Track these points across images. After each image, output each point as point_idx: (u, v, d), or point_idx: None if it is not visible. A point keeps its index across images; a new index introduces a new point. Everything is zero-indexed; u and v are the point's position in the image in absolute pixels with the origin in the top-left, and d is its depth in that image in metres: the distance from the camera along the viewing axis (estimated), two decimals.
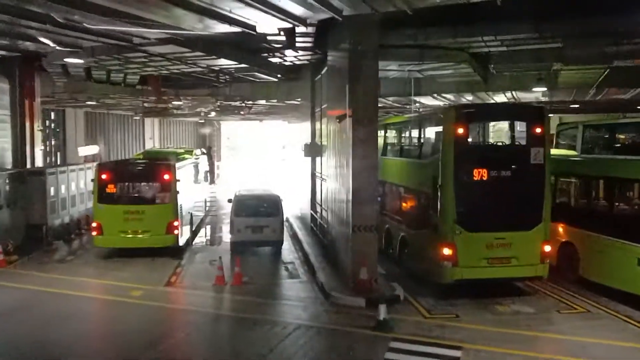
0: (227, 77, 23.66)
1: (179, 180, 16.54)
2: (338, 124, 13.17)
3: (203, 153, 26.52)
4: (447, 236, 11.64)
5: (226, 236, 19.19)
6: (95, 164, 17.84)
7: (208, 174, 24.68)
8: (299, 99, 25.04)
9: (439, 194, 11.74)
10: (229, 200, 19.84)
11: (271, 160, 68.80)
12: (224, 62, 16.96)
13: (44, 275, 14.23)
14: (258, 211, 16.50)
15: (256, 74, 19.56)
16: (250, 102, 24.48)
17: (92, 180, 16.58)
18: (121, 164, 16.74)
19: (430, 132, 12.99)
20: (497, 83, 17.82)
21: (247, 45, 15.92)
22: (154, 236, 16.05)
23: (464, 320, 10.64)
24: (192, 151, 20.14)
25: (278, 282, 13.98)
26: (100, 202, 16.06)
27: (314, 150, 20.04)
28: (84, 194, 22.48)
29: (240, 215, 16.32)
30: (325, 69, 16.68)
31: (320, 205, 18.21)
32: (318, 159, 19.40)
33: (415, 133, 14.09)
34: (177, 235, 16.43)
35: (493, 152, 12.10)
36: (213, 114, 33.16)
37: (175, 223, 16.29)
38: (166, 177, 16.31)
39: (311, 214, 19.81)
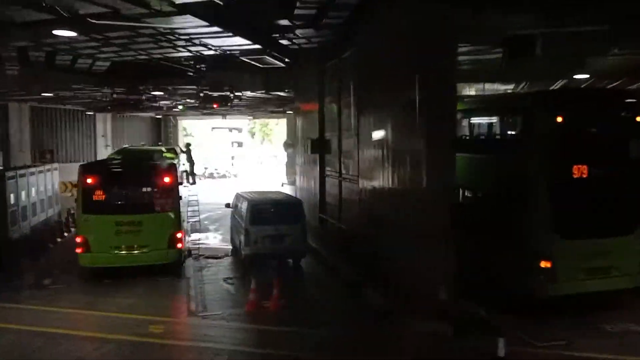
0: (202, 66, 21.00)
1: (181, 183, 13.87)
2: (393, 114, 10.90)
3: (182, 151, 23.63)
4: (541, 246, 9.80)
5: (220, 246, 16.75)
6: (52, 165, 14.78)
7: (189, 174, 21.90)
8: (287, 91, 22.71)
9: (528, 195, 9.88)
10: (227, 205, 17.38)
11: (227, 158, 66.03)
12: (235, 42, 14.38)
13: (22, 308, 11.29)
14: (277, 218, 14.06)
15: (266, 57, 17.01)
16: (239, 93, 21.86)
17: (75, 186, 13.57)
18: (111, 165, 13.91)
19: (514, 121, 11.02)
20: (526, 70, 16.20)
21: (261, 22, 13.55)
22: (153, 252, 13.33)
23: (578, 347, 8.82)
24: (174, 150, 17.49)
25: (321, 304, 11.62)
26: (85, 212, 13.13)
27: (321, 146, 17.81)
28: (44, 200, 19.32)
29: (257, 224, 13.84)
30: (349, 53, 14.47)
31: (340, 209, 15.97)
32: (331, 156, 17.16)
33: (488, 123, 12.05)
34: (181, 249, 13.78)
35: (595, 144, 10.29)
36: (180, 107, 29.98)
37: (179, 235, 13.65)
38: (167, 179, 13.61)
39: (320, 218, 17.55)
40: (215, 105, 27.05)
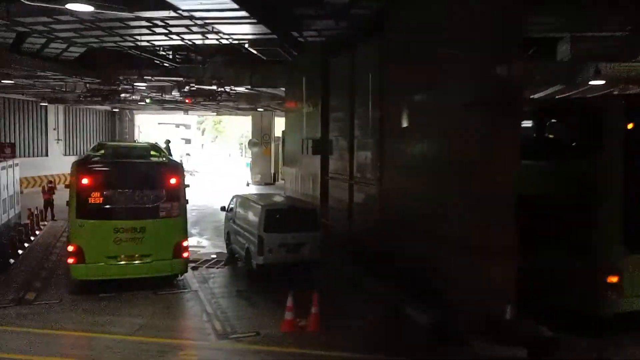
0: (178, 56, 19.45)
1: (187, 186, 12.38)
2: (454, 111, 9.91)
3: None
4: (609, 260, 9.18)
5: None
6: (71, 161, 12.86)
7: None
8: (280, 87, 21.46)
9: (596, 205, 9.23)
10: (223, 209, 15.97)
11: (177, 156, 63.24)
12: (250, 31, 13.05)
13: (12, 331, 9.53)
14: (294, 225, 12.82)
15: (273, 49, 15.69)
16: (231, 88, 20.37)
17: (67, 186, 11.77)
18: (110, 163, 12.21)
19: (582, 126, 10.28)
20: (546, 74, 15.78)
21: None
22: (156, 262, 11.79)
23: None
24: (157, 146, 15.82)
25: (362, 323, 10.39)
26: (80, 216, 11.40)
27: (324, 147, 16.72)
28: (6, 200, 17.24)
29: (273, 231, 12.56)
30: (371, 46, 13.47)
31: (350, 215, 14.91)
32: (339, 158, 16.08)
33: (551, 127, 11.26)
34: (187, 259, 12.31)
35: None
36: (147, 100, 27.91)
37: (185, 243, 12.17)
38: (173, 180, 12.09)
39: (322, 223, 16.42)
40: (187, 100, 25.49)
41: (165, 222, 11.95)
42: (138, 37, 15.75)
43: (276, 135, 39.61)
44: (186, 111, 37.82)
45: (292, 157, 19.63)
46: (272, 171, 38.98)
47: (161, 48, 18.92)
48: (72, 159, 35.48)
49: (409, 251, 11.57)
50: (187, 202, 12.26)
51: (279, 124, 41.33)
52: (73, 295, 11.51)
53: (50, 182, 22.84)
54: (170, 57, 19.92)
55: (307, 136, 17.56)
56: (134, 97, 23.22)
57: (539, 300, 9.50)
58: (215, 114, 39.67)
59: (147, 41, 16.38)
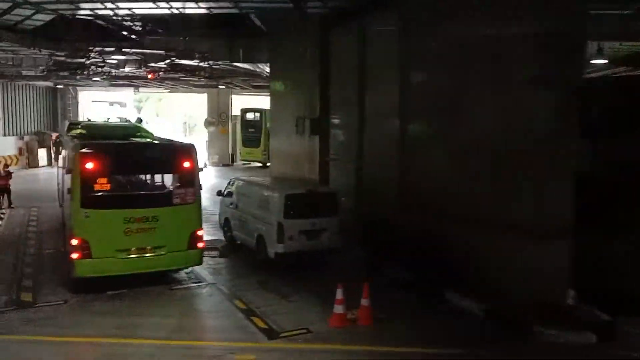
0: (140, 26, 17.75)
1: (201, 169, 11.26)
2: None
3: None
4: None
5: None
6: (71, 144, 11.15)
7: None
8: (261, 62, 20.24)
9: None
10: (219, 193, 14.91)
11: None
12: None
13: (19, 340, 8.25)
14: (313, 210, 12.04)
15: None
16: (211, 63, 18.90)
17: (69, 171, 10.30)
18: (116, 146, 10.83)
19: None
20: None
21: None
22: (170, 254, 10.69)
23: None
24: (142, 127, 14.44)
25: (408, 314, 9.75)
26: (85, 206, 10.04)
27: (322, 127, 15.89)
28: None
29: (292, 217, 11.73)
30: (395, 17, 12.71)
31: (359, 199, 14.23)
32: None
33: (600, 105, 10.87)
34: (203, 250, 11.26)
35: None
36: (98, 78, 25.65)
37: (200, 232, 11.10)
38: (187, 164, 10.92)
39: None
40: (150, 76, 23.79)
41: (180, 209, 10.81)
42: (121, 4, 14.18)
43: (233, 114, 38.16)
44: (137, 88, 35.47)
45: (280, 137, 18.60)
46: (230, 152, 37.55)
47: (131, 18, 17.30)
48: (12, 140, 32.75)
49: (441, 236, 11.10)
50: (201, 187, 11.17)
51: (237, 103, 39.98)
52: (77, 295, 10.20)
53: (7, 165, 20.62)
54: (140, 29, 18.29)
55: (302, 115, 16.62)
56: (104, 69, 21.19)
57: (595, 283, 9.31)
58: (168, 91, 37.44)
59: (129, 9, 14.80)
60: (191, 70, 18.73)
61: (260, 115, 35.29)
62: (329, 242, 12.16)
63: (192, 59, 17.98)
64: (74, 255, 10.05)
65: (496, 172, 9.79)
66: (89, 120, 17.32)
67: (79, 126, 14.78)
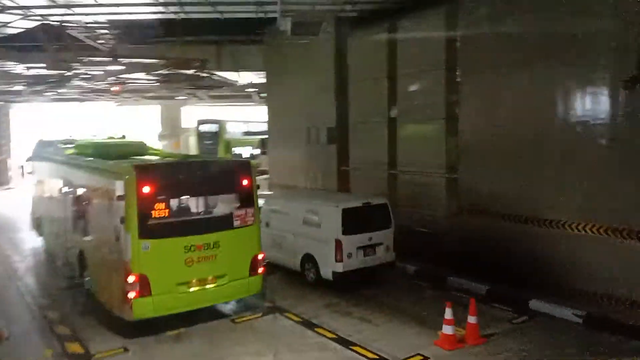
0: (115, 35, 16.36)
1: (258, 187, 10.20)
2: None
3: None
4: None
5: None
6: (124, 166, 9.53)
7: None
8: (251, 70, 19.15)
9: None
10: None
11: None
12: None
13: None
14: (369, 223, 11.31)
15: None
16: (212, 72, 17.47)
17: (120, 196, 8.85)
18: (173, 165, 9.49)
19: None
20: None
21: None
22: (233, 283, 9.59)
23: None
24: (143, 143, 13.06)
25: (516, 328, 9.16)
26: (143, 236, 8.71)
27: (340, 135, 15.20)
28: None
29: (350, 232, 10.94)
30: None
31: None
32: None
33: None
34: (263, 275, 10.20)
35: None
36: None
37: (261, 256, 10.05)
38: (245, 182, 9.86)
39: None
40: (116, 90, 22.10)
41: (241, 232, 9.73)
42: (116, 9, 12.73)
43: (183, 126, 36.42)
44: (81, 101, 32.78)
45: (284, 148, 17.63)
46: None
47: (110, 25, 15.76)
48: None
49: (511, 243, 10.79)
50: (260, 208, 10.13)
51: (185, 115, 38.09)
52: (134, 340, 8.84)
53: None
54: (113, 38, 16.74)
55: (314, 124, 15.80)
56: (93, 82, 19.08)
57: None
58: (117, 104, 34.92)
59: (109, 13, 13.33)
60: (194, 80, 17.31)
61: (218, 126, 33.89)
62: (385, 256, 11.50)
63: (187, 67, 16.65)
64: (131, 295, 8.69)
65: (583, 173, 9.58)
66: (71, 137, 15.46)
67: (70, 145, 13.31)
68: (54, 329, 9.46)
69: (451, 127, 12.09)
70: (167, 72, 16.37)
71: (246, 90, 23.59)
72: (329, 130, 15.17)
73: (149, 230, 8.78)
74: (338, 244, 10.84)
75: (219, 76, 20.41)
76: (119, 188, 8.75)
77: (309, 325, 9.40)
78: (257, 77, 21.61)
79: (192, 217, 9.37)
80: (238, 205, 9.77)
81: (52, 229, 13.73)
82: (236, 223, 9.69)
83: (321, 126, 15.40)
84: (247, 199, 9.87)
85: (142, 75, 19.27)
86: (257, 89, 23.85)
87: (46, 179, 14.43)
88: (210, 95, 31.49)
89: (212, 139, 34.19)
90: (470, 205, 11.63)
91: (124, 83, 21.20)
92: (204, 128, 34.77)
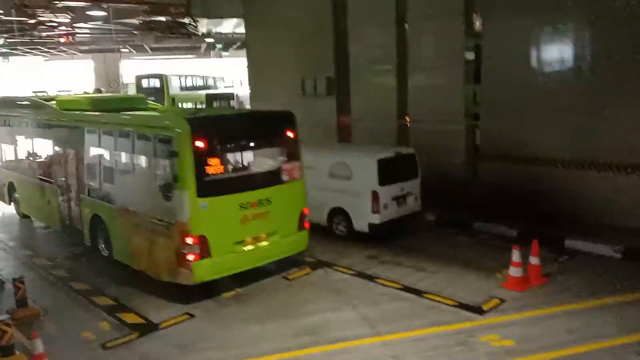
0: None
1: (301, 141, 9.69)
2: None
3: None
4: None
5: None
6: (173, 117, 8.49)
7: None
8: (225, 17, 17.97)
9: None
10: None
11: None
12: None
13: None
14: (400, 174, 11.17)
15: None
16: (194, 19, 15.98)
17: (172, 152, 8.03)
18: (225, 117, 8.69)
19: None
20: None
21: None
22: (283, 240, 9.21)
23: None
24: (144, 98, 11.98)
25: (566, 268, 9.34)
26: (201, 194, 8.06)
27: (339, 86, 14.78)
28: None
29: (386, 183, 10.76)
30: None
31: None
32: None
33: None
34: (309, 230, 9.84)
35: None
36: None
37: (307, 211, 9.68)
38: (290, 134, 9.35)
39: None
40: (64, 40, 20.27)
41: (289, 187, 9.28)
42: None
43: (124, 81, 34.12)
44: (6, 57, 29.59)
45: (270, 102, 16.81)
46: None
47: None
48: None
49: (534, 185, 11.13)
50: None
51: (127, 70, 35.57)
52: (192, 305, 8.31)
53: None
54: None
55: (309, 74, 15.23)
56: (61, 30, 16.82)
57: None
58: (46, 59, 31.82)
59: None
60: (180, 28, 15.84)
61: (161, 81, 32.06)
62: (414, 205, 11.49)
63: (168, 14, 15.25)
64: (191, 257, 8.09)
65: None
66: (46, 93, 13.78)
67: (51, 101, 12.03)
68: (93, 300, 8.68)
69: (469, 75, 12.06)
70: (146, 19, 14.92)
71: (206, 40, 22.15)
72: (327, 80, 14.69)
73: (206, 188, 8.13)
74: (375, 195, 10.64)
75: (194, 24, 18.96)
76: (172, 143, 8.00)
77: (366, 277, 9.25)
78: (215, 26, 20.40)
79: (246, 173, 8.79)
80: (286, 159, 9.27)
81: (35, 195, 12.48)
82: (285, 178, 9.22)
83: (319, 76, 14.87)
84: (294, 152, 9.40)
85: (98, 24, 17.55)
86: (215, 40, 22.51)
87: (26, 139, 12.98)
88: (153, 47, 29.57)
89: (154, 94, 32.34)
90: (492, 151, 11.80)
91: (74, 34, 19.28)
92: (145, 83, 32.81)
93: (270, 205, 8.91)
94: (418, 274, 9.32)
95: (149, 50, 30.20)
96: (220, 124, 8.67)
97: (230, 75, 39.41)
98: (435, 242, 11.08)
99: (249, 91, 18.55)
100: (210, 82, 36.58)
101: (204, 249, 8.16)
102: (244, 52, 17.28)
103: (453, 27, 12.03)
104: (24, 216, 13.88)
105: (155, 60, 35.24)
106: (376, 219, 10.74)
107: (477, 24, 11.78)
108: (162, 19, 14.88)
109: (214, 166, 8.23)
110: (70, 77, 34.56)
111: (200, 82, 35.89)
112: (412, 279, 9.08)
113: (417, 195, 11.52)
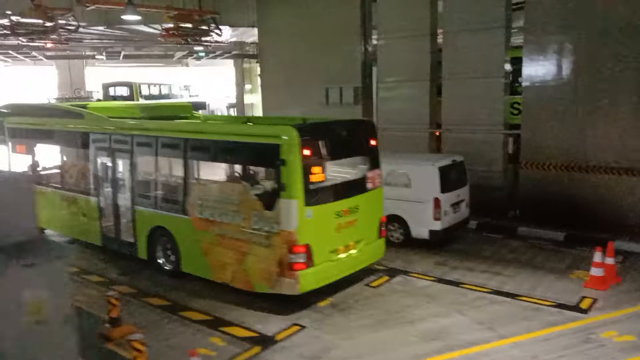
0: None
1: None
2: None
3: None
4: None
5: None
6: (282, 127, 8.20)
7: None
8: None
9: None
10: None
11: None
12: None
13: None
14: (456, 181, 11.45)
15: None
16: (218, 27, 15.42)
17: (279, 160, 7.83)
18: (327, 126, 8.60)
19: None
20: None
21: None
22: (367, 247, 9.24)
23: None
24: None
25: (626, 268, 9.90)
26: (308, 203, 7.95)
27: (367, 95, 14.97)
28: None
29: (446, 190, 10.99)
30: None
31: None
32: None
33: None
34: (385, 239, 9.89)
35: None
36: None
37: (384, 219, 9.74)
38: (373, 142, 9.38)
39: None
40: (49, 45, 19.36)
41: (372, 195, 9.31)
42: None
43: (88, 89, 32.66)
44: None
45: (288, 112, 16.72)
46: None
47: None
48: None
49: (573, 191, 11.74)
50: None
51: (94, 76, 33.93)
52: (291, 316, 8.14)
53: None
54: None
55: (333, 83, 15.28)
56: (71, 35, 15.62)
57: None
58: (5, 65, 29.87)
59: None
60: (202, 35, 15.26)
61: (130, 89, 31.02)
62: (465, 212, 11.80)
63: (192, 21, 14.79)
64: (298, 267, 7.95)
65: None
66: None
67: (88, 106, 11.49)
68: (184, 315, 8.30)
69: (507, 86, 12.57)
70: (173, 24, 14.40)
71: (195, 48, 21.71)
72: (355, 89, 14.82)
73: (312, 196, 8.04)
74: (437, 202, 10.84)
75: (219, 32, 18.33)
76: (279, 151, 7.86)
77: (449, 282, 9.40)
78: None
79: (340, 181, 8.76)
80: (369, 166, 9.30)
81: (62, 207, 11.78)
82: (369, 185, 9.24)
83: (345, 85, 14.98)
84: (376, 159, 9.44)
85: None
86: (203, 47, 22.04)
87: (54, 148, 12.23)
88: (127, 54, 28.61)
89: None
90: (532, 158, 12.31)
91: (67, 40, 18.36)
92: (113, 91, 31.60)
93: (358, 213, 8.90)
94: (497, 278, 9.58)
95: (120, 58, 29.09)
96: (321, 132, 8.57)
97: (195, 84, 38.72)
98: (491, 247, 11.42)
99: (261, 99, 18.31)
100: (176, 91, 35.80)
101: (309, 258, 8.05)
102: (214, 61, 17.05)
103: (495, 40, 12.47)
104: (41, 230, 13.03)
105: (120, 68, 34.00)
106: (437, 226, 10.93)
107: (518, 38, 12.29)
108: (189, 25, 14.43)
109: (316, 174, 8.15)
110: (29, 83, 32.78)
111: (166, 91, 35.03)
112: (494, 283, 9.33)
113: (467, 202, 11.85)
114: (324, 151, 8.30)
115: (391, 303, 8.63)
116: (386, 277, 9.73)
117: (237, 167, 8.62)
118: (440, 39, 13.76)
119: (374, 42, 14.90)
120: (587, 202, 11.64)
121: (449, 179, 11.18)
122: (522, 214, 12.57)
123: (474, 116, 13.09)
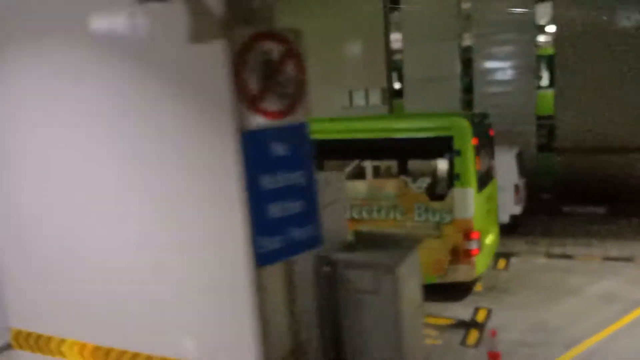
0: None
1: None
2: None
3: None
4: None
5: None
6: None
7: None
8: None
9: None
10: None
11: None
12: None
13: None
14: (521, 167, 12.31)
15: None
16: None
17: (453, 151, 8.06)
18: (481, 116, 8.93)
19: None
20: None
21: None
22: (494, 235, 9.74)
23: None
24: None
25: None
26: (479, 190, 8.42)
27: (393, 95, 15.50)
28: None
29: (523, 176, 11.95)
30: None
31: None
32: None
33: None
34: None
35: None
36: None
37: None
38: (491, 133, 9.95)
39: None
40: None
41: (494, 184, 9.87)
42: None
43: None
44: None
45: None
46: None
47: None
48: None
49: (608, 171, 13.21)
50: None
51: None
52: (462, 302, 8.44)
53: None
54: None
55: (356, 86, 15.60)
56: None
57: None
58: None
59: None
60: None
61: None
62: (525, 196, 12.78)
63: None
64: (475, 252, 8.29)
65: None
66: None
67: None
68: None
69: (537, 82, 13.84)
70: None
71: None
72: (383, 91, 15.29)
73: (479, 184, 8.46)
74: (517, 187, 11.66)
75: None
76: (453, 142, 8.18)
77: (563, 257, 10.16)
78: None
79: (484, 169, 9.20)
80: (491, 155, 9.84)
81: None
82: (493, 174, 9.80)
83: (371, 87, 15.40)
84: (493, 149, 10.00)
85: None
86: None
87: None
88: None
89: None
90: (566, 143, 13.62)
91: None
92: None
93: (492, 201, 9.43)
94: (606, 247, 10.47)
95: None
96: (478, 123, 8.95)
97: None
98: (559, 225, 12.36)
99: None
100: None
101: (481, 243, 8.42)
102: None
103: (525, 42, 13.66)
104: None
105: None
106: (517, 210, 11.75)
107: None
108: None
109: (478, 163, 8.56)
110: None
111: None
112: (612, 253, 10.18)
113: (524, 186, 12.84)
114: (482, 141, 8.75)
115: (537, 280, 9.19)
116: (505, 260, 10.30)
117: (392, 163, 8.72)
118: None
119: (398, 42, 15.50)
120: (617, 182, 13.05)
121: (521, 165, 12.08)
122: (560, 194, 13.79)
123: (506, 110, 14.14)
